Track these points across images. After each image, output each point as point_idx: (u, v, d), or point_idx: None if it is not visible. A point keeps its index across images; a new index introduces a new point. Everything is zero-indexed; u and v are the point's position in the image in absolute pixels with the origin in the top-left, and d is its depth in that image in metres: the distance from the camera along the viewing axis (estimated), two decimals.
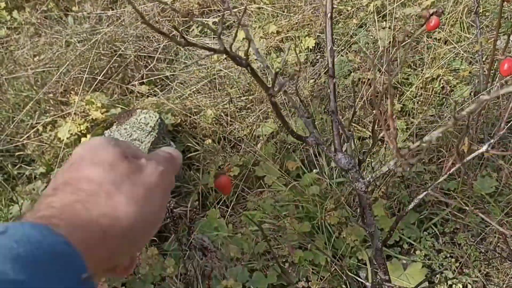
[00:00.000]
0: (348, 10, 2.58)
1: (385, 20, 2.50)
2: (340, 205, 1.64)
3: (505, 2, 1.46)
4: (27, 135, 2.05)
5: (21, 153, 2.03)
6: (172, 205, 1.60)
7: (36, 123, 2.10)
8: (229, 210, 1.85)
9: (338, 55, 2.38)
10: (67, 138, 1.97)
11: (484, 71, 1.62)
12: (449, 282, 1.47)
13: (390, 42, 2.35)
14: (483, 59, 1.64)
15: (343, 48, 2.42)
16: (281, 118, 0.70)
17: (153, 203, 0.41)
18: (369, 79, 2.15)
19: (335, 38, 2.45)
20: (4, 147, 2.01)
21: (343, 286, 1.51)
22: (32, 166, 1.99)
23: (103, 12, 2.81)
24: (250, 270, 1.63)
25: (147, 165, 0.42)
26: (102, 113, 2.01)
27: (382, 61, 2.21)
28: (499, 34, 1.53)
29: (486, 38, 1.59)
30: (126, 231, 0.38)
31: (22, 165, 1.99)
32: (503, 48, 1.46)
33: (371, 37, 2.42)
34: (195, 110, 2.21)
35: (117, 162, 0.40)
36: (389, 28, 2.44)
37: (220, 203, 1.88)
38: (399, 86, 2.14)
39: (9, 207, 1.75)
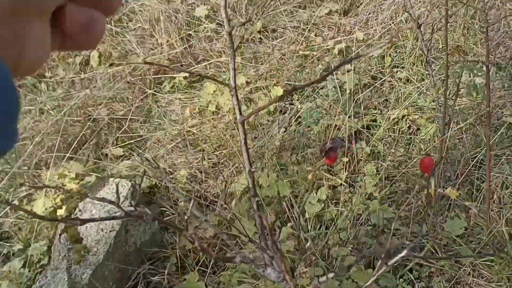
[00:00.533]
0: (313, 56, 2.65)
1: (350, 64, 2.56)
2: (314, 260, 1.66)
3: (450, 55, 1.52)
4: (4, 211, 2.06)
5: None
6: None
7: (13, 198, 2.11)
8: (208, 270, 1.86)
9: (306, 102, 2.43)
10: (42, 212, 1.97)
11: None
12: None
13: (356, 85, 2.41)
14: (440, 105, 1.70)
15: (311, 93, 2.48)
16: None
17: None
18: (336, 125, 2.19)
19: (302, 85, 2.51)
20: None
21: None
22: (10, 243, 2.00)
23: (75, 76, 2.86)
24: None
25: None
26: (76, 183, 2.03)
27: (348, 105, 2.26)
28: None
29: (437, 88, 1.64)
30: None
31: (0, 243, 1.99)
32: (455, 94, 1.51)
33: (338, 80, 2.48)
34: (169, 170, 2.23)
35: None
36: (354, 70, 2.51)
37: (199, 264, 1.89)
38: (364, 131, 2.18)
39: None
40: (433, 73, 1.61)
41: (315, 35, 2.87)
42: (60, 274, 1.61)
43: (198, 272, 1.85)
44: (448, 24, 1.47)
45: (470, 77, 1.90)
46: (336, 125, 2.17)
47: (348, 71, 2.50)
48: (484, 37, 1.12)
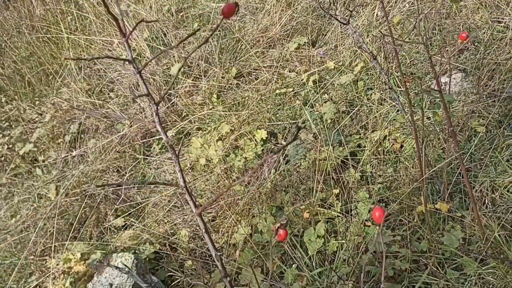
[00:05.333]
0: (289, 93, 2.73)
1: (326, 93, 2.64)
2: None
3: (407, 82, 1.58)
4: None
5: None
6: None
7: None
8: None
9: (289, 138, 2.48)
10: None
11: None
12: None
13: (335, 113, 2.47)
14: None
15: (294, 130, 2.53)
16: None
17: None
18: (324, 158, 2.24)
19: (284, 122, 2.57)
20: None
21: None
22: None
23: (67, 154, 2.94)
24: None
25: None
26: (83, 264, 2.07)
27: (330, 135, 2.31)
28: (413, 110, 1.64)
29: (402, 115, 1.69)
30: None
31: None
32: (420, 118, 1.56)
33: (317, 112, 2.54)
34: (171, 231, 2.27)
35: None
36: (331, 99, 2.58)
37: None
38: (350, 159, 2.23)
39: None
40: (399, 97, 1.67)
41: (289, 71, 2.95)
42: None
43: None
44: (399, 55, 1.54)
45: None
46: (321, 158, 2.22)
47: (325, 102, 2.56)
48: (430, 65, 1.18)
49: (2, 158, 3.00)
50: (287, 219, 0.80)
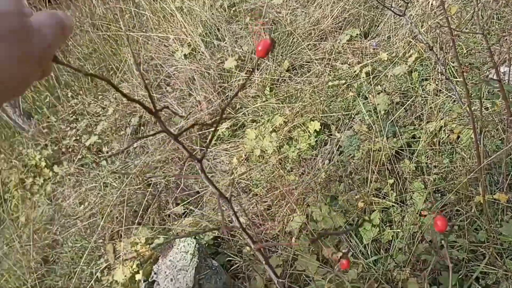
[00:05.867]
0: (342, 85, 2.76)
1: (379, 85, 2.65)
2: (380, 285, 1.72)
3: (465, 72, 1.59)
4: (90, 284, 2.26)
5: None
6: None
7: (95, 270, 2.32)
8: None
9: (345, 129, 2.52)
10: (123, 279, 2.16)
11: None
12: None
13: (389, 105, 2.48)
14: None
15: (348, 121, 2.57)
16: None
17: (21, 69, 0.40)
18: (379, 148, 2.27)
19: (337, 114, 2.61)
20: None
21: None
22: None
23: (129, 146, 3.10)
24: None
25: (36, 33, 0.41)
26: (147, 249, 2.21)
27: (384, 126, 2.33)
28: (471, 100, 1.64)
29: (459, 106, 1.69)
30: None
31: None
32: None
33: (371, 103, 2.56)
34: (229, 219, 2.37)
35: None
36: (384, 91, 2.59)
37: None
38: (405, 149, 2.24)
39: None
40: (456, 88, 1.68)
41: (341, 63, 2.98)
42: None
43: None
44: (457, 45, 1.55)
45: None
46: (376, 149, 2.25)
47: (379, 93, 2.58)
48: (489, 54, 1.20)
49: (70, 150, 3.21)
50: (348, 250, 0.86)
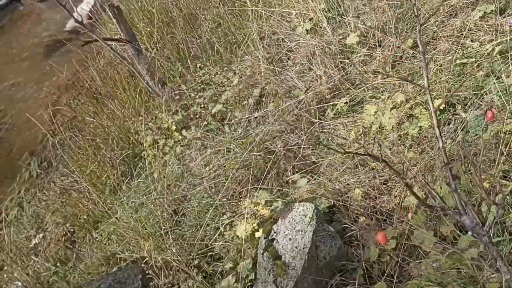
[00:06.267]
0: (472, 62, 2.65)
1: None
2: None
3: None
4: (214, 237, 2.51)
5: (212, 253, 2.48)
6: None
7: (219, 225, 2.56)
8: (395, 280, 2.01)
9: (471, 110, 2.45)
10: (244, 235, 2.37)
11: None
12: None
13: None
14: None
15: (475, 101, 2.48)
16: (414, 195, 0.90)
17: None
18: (510, 130, 2.18)
19: (464, 93, 2.53)
20: (199, 250, 2.49)
21: None
22: (222, 262, 2.43)
23: (250, 115, 3.31)
24: None
25: None
26: (267, 209, 2.39)
27: None
28: None
29: None
30: None
31: (215, 263, 2.43)
32: None
33: (503, 83, 2.44)
34: (344, 190, 2.46)
35: None
36: None
37: (385, 275, 2.06)
38: None
39: None
40: None
41: (471, 41, 2.85)
42: (269, 286, 1.94)
43: (385, 282, 2.02)
44: None
45: None
46: (506, 130, 2.16)
47: None
48: None
49: (197, 116, 3.50)
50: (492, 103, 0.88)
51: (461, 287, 1.75)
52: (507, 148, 2.08)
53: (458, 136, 2.37)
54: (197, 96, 3.59)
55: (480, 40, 2.80)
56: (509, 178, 2.02)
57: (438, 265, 1.89)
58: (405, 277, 2.03)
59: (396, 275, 2.02)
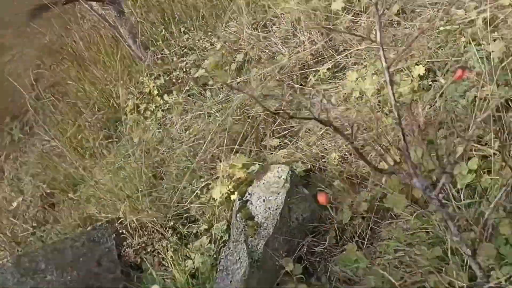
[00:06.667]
0: (455, 30, 2.62)
1: (496, 31, 2.48)
2: (468, 225, 1.71)
3: None
4: (190, 199, 2.51)
5: (188, 214, 2.48)
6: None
7: (195, 188, 2.55)
8: (365, 242, 2.03)
9: (450, 76, 2.43)
10: (219, 197, 2.36)
11: None
12: None
13: (504, 52, 2.33)
14: None
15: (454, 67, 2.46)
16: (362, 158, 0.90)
17: None
18: (486, 96, 2.17)
19: (445, 59, 2.51)
20: (175, 212, 2.49)
21: None
22: (197, 224, 2.43)
23: (232, 80, 3.27)
24: None
25: None
26: (244, 172, 2.38)
27: (496, 74, 2.21)
28: None
29: None
30: None
31: (190, 225, 2.43)
32: None
33: (483, 51, 2.42)
34: (322, 154, 2.45)
35: None
36: (501, 38, 2.42)
37: (357, 236, 2.07)
38: None
39: (185, 261, 2.18)
40: None
41: (457, 8, 2.81)
42: (240, 245, 1.94)
43: (356, 243, 2.03)
44: None
45: None
46: (483, 97, 2.15)
47: (494, 40, 2.42)
48: None
49: (179, 81, 3.45)
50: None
51: (429, 246, 1.76)
52: (481, 114, 2.07)
53: (436, 102, 2.35)
54: (180, 60, 3.54)
55: (465, 8, 2.77)
56: (482, 142, 2.01)
57: (408, 226, 1.90)
58: (376, 239, 2.04)
59: (367, 237, 2.04)
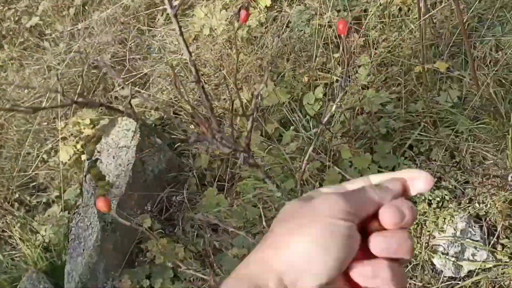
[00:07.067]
0: None
1: None
2: (315, 154, 1.75)
3: None
4: (35, 165, 2.25)
5: (35, 183, 2.23)
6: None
7: (40, 152, 2.29)
8: (226, 184, 2.00)
9: (294, 5, 2.40)
10: (68, 160, 2.14)
11: None
12: (428, 199, 1.57)
13: None
14: None
15: None
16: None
17: None
18: (327, 23, 2.17)
19: None
20: (19, 182, 2.22)
21: None
22: (48, 192, 2.20)
23: (73, 28, 2.92)
24: (253, 234, 1.78)
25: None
26: (92, 128, 2.17)
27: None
28: None
29: None
30: None
31: (39, 194, 2.20)
32: None
33: None
34: (175, 99, 2.32)
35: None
36: None
37: (217, 180, 2.02)
38: (355, 23, 2.15)
39: (36, 235, 1.97)
40: None
41: None
42: (90, 209, 1.78)
43: (217, 187, 1.99)
44: None
45: None
46: (325, 24, 2.15)
47: None
48: None
49: (11, 32, 3.01)
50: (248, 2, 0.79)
51: (284, 179, 1.77)
52: (322, 39, 2.08)
53: (284, 33, 2.32)
54: (7, 8, 3.07)
55: None
56: (326, 70, 2.04)
57: (265, 163, 1.90)
58: (236, 179, 2.02)
59: (227, 179, 2.00)
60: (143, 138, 1.98)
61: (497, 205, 1.45)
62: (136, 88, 2.45)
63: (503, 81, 1.67)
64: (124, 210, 1.79)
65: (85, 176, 1.95)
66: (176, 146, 2.14)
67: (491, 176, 1.46)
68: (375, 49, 2.05)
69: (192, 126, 2.14)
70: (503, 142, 1.54)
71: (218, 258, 1.78)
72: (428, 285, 1.50)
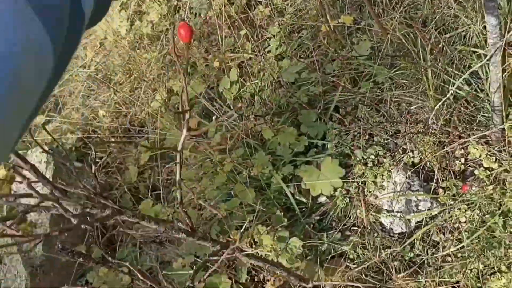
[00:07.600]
0: None
1: None
2: (241, 140, 1.65)
3: None
4: None
5: None
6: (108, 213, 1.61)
7: None
8: (162, 191, 1.87)
9: None
10: None
11: None
12: (363, 158, 1.50)
13: None
14: None
15: None
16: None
17: None
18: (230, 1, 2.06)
19: None
20: None
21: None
22: None
23: None
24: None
25: None
26: (2, 169, 1.99)
27: None
28: None
29: None
30: None
31: None
32: None
33: None
34: (92, 116, 2.16)
35: None
36: None
37: (150, 190, 1.90)
38: None
39: None
40: None
41: None
42: (15, 256, 1.63)
43: (154, 197, 1.87)
44: None
45: None
46: (227, 3, 2.04)
47: None
48: None
49: None
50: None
51: (214, 175, 1.67)
52: (229, 21, 1.97)
53: (189, 20, 2.19)
54: None
55: None
56: (236, 50, 1.93)
57: (194, 162, 1.79)
58: (171, 184, 1.90)
59: (162, 187, 1.88)
60: (58, 166, 1.82)
61: (426, 150, 1.39)
62: (50, 114, 2.28)
63: (410, 21, 1.61)
64: (53, 247, 1.64)
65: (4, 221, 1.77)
66: (103, 166, 1.98)
67: (417, 121, 1.40)
68: (283, 17, 1.96)
69: (113, 139, 2.00)
70: (421, 83, 1.48)
71: (168, 271, 1.67)
72: (382, 246, 1.44)
